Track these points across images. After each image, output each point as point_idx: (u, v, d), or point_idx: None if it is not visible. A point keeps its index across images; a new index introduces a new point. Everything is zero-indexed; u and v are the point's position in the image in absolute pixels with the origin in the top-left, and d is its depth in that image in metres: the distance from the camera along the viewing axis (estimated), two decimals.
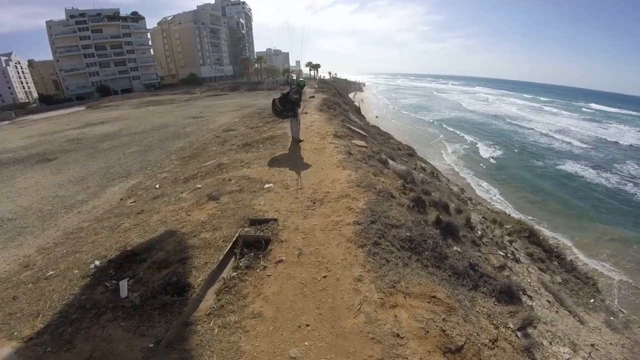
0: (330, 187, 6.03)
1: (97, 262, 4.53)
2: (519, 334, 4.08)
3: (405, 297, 3.54)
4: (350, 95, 69.18)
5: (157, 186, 8.20)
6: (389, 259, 4.04)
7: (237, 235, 4.48)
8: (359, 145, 9.19)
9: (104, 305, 3.63)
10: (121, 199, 7.73)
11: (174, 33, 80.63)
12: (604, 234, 17.20)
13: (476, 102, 77.10)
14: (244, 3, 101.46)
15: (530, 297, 6.29)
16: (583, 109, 78.18)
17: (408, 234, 4.88)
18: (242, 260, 4.07)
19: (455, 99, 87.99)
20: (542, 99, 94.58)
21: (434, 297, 3.63)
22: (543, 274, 9.19)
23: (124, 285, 3.87)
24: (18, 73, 68.25)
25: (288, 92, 8.48)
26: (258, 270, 3.92)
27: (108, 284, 4.00)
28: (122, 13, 70.58)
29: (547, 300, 6.97)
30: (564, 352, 4.81)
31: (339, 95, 38.89)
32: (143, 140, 15.12)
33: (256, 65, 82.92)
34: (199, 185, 7.28)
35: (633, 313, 9.98)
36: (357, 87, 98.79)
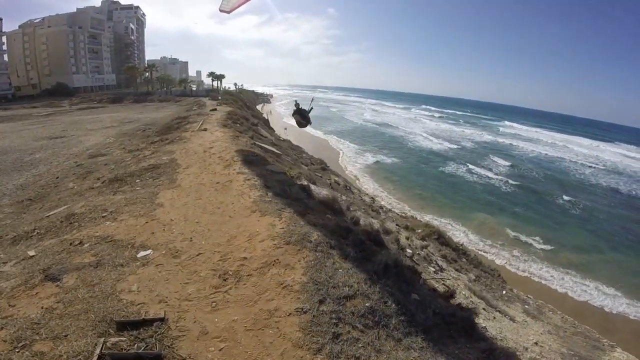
0: (247, 247, 4.15)
1: None
2: None
3: None
4: (258, 107, 66.88)
5: None
6: (357, 354, 3.07)
7: (98, 351, 2.83)
8: (275, 172, 7.48)
9: None
10: None
11: (39, 37, 67.91)
12: (484, 221, 19.78)
13: (370, 112, 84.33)
14: (137, 8, 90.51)
15: (477, 315, 6.61)
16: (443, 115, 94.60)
17: (367, 304, 3.91)
18: None
19: (352, 108, 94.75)
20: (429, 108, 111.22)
21: None
22: (461, 274, 9.95)
23: None
24: None
25: (301, 109, 10.34)
26: None
27: None
28: None
29: (484, 309, 7.56)
30: None
31: (246, 108, 36.38)
32: None
33: (146, 74, 73.01)
34: (32, 253, 4.74)
35: (535, 296, 11.28)
36: (265, 98, 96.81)
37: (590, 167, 39.50)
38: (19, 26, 69.12)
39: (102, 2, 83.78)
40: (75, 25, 69.08)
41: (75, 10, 71.76)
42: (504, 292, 10.26)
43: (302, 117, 10.44)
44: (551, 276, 14.01)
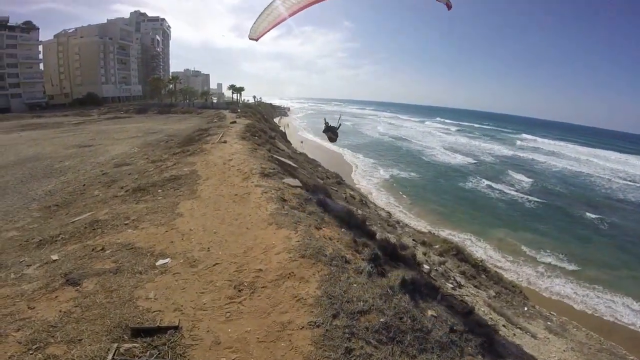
0: (262, 259, 4.18)
1: None
2: None
3: None
4: (276, 120, 67.92)
5: None
6: None
7: (110, 357, 2.87)
8: (292, 186, 7.55)
9: None
10: None
11: (73, 47, 69.23)
12: (505, 237, 19.07)
13: (386, 126, 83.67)
14: (162, 20, 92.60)
15: (496, 331, 6.56)
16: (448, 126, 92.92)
17: (382, 320, 3.81)
18: None
19: (367, 121, 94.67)
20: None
21: None
22: (480, 291, 9.78)
23: None
24: None
25: (331, 126, 11.33)
26: None
27: None
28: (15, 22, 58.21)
29: (503, 325, 7.43)
30: None
31: (264, 121, 37.12)
32: None
33: (170, 85, 75.07)
34: (55, 257, 4.87)
35: (559, 313, 10.86)
36: (282, 111, 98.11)
37: (618, 182, 37.76)
38: (54, 36, 70.70)
39: (130, 14, 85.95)
40: (105, 36, 70.20)
41: (105, 21, 73.44)
42: (526, 308, 9.80)
43: (333, 133, 11.56)
44: (575, 293, 13.46)
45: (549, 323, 9.22)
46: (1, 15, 58.14)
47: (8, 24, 57.45)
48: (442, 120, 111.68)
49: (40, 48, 64.69)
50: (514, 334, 7.08)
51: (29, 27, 60.97)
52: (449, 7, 7.44)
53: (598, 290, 13.62)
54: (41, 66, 64.79)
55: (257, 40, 10.17)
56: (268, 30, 9.32)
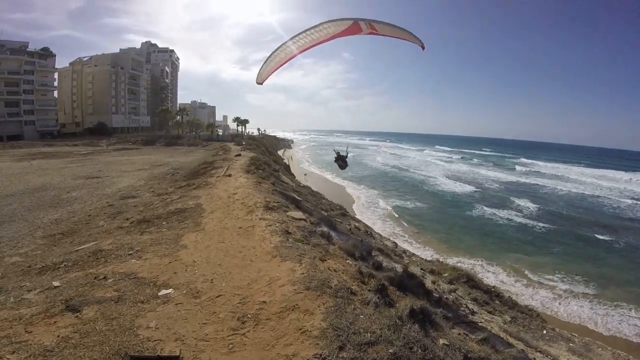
0: (266, 292, 4.14)
1: None
2: None
3: None
4: (280, 152, 68.63)
5: None
6: None
7: None
8: (296, 219, 7.61)
9: None
10: None
11: (86, 75, 69.10)
12: (517, 262, 18.57)
13: (388, 156, 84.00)
14: (172, 51, 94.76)
15: (515, 357, 6.20)
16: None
17: (391, 350, 3.62)
18: None
19: (369, 152, 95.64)
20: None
21: None
22: (494, 317, 9.50)
23: None
24: None
25: (341, 155, 12.21)
26: None
27: None
28: (34, 48, 58.66)
29: (522, 349, 7.19)
30: None
31: (268, 153, 37.69)
32: (4, 208, 11.19)
33: (178, 117, 75.34)
34: (57, 283, 4.88)
35: (581, 334, 10.38)
36: (286, 144, 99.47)
37: (626, 201, 37.43)
38: (70, 63, 71.30)
39: (142, 44, 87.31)
40: (118, 66, 70.69)
41: (118, 50, 74.63)
42: (545, 331, 9.51)
43: (342, 161, 12.57)
44: (596, 314, 12.97)
45: (571, 344, 8.89)
46: (21, 40, 58.86)
47: (27, 50, 58.25)
48: (445, 148, 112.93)
49: (56, 75, 64.88)
50: (534, 358, 6.88)
51: (46, 54, 61.73)
52: (423, 48, 8.30)
53: (621, 309, 13.15)
54: (55, 94, 64.78)
55: (261, 84, 11.04)
56: (272, 72, 9.99)
